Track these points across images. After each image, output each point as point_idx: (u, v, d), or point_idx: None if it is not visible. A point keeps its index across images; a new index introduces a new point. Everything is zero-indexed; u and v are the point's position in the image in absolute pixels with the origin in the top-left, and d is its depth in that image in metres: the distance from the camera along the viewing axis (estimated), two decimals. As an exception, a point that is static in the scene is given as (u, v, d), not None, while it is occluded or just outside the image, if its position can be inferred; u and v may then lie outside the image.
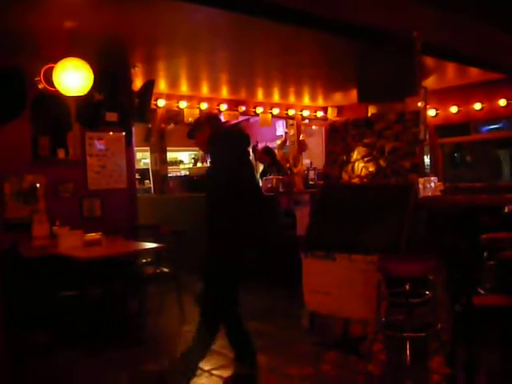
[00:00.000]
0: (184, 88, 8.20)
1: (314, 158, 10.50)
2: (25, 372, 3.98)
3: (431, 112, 9.23)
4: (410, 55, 4.90)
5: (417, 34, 4.99)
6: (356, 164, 4.88)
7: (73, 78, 5.07)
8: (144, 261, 5.81)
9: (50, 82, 5.57)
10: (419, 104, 5.69)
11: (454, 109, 9.13)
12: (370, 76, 5.13)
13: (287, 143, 10.30)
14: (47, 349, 4.73)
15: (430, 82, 7.96)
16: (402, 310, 4.11)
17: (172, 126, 9.06)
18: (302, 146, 10.23)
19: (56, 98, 5.81)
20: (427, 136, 7.81)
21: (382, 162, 4.73)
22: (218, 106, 8.98)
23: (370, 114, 5.46)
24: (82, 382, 3.93)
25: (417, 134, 4.63)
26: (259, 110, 9.57)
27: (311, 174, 9.26)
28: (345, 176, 4.91)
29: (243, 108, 9.33)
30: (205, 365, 4.16)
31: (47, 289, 5.01)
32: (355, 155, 4.92)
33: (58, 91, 5.49)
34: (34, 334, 4.86)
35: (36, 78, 5.70)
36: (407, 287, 3.90)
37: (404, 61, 4.89)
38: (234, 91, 8.75)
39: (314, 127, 11.25)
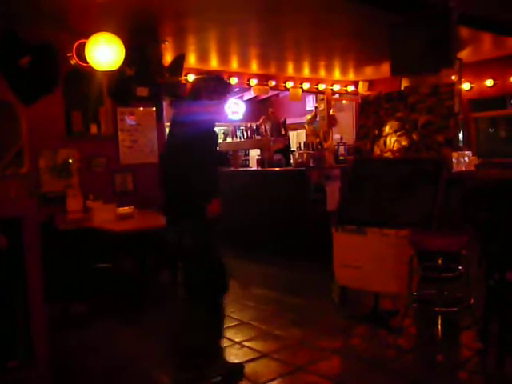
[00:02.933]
0: (214, 63, 8.17)
1: (344, 133, 10.39)
2: (63, 341, 4.12)
3: (465, 86, 9.00)
4: (446, 25, 4.76)
5: (453, 2, 4.85)
6: (388, 138, 4.82)
7: (105, 52, 5.10)
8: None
9: (82, 57, 5.62)
10: (453, 77, 5.57)
11: (489, 82, 8.88)
12: (403, 48, 5.01)
13: (317, 118, 10.19)
14: (84, 319, 4.87)
15: (464, 55, 7.74)
16: (433, 285, 4.10)
17: (202, 100, 9.04)
18: (332, 121, 10.13)
19: (88, 74, 5.86)
20: (461, 110, 7.63)
21: (414, 136, 4.65)
22: (248, 80, 8.93)
23: (402, 88, 5.37)
24: (118, 350, 4.03)
25: (451, 107, 4.53)
26: (289, 84, 9.48)
27: (341, 149, 9.16)
28: (376, 150, 4.86)
29: (273, 83, 9.26)
30: (235, 336, 4.23)
31: (82, 261, 5.14)
32: (387, 129, 4.85)
33: (90, 66, 5.55)
34: (70, 304, 4.99)
35: (68, 54, 5.75)
36: (440, 262, 3.88)
37: (439, 31, 4.76)
38: (264, 65, 8.67)
39: (344, 102, 11.11)
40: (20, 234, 2.44)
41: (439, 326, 4.00)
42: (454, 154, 4.61)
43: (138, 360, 3.83)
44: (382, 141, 4.86)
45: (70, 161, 5.88)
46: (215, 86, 3.55)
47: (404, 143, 4.70)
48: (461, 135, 8.79)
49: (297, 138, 11.62)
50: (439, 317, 4.01)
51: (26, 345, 2.47)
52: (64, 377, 3.36)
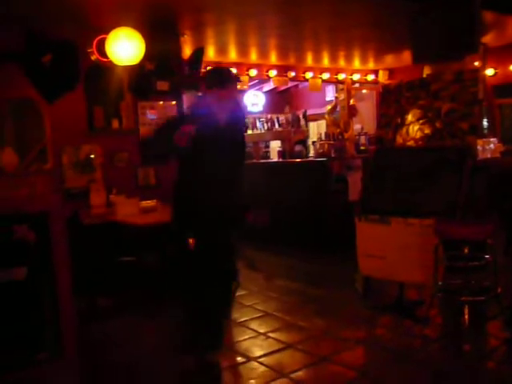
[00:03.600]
0: (233, 55, 8.15)
1: (364, 122, 10.29)
2: (89, 334, 4.18)
3: (489, 71, 8.83)
4: (469, 10, 4.66)
5: (476, -13, 4.76)
6: (411, 126, 4.76)
7: (125, 47, 5.12)
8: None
9: (102, 52, 5.65)
10: (476, 63, 5.46)
11: (513, 67, 8.70)
12: (425, 35, 4.93)
13: (337, 108, 10.10)
14: (109, 313, 4.94)
15: (488, 39, 7.59)
16: (459, 274, 4.05)
17: (221, 93, 9.03)
18: (352, 111, 10.03)
19: (108, 69, 5.89)
20: (485, 96, 7.49)
21: (437, 124, 4.60)
22: (267, 72, 8.90)
23: (424, 75, 5.29)
24: (143, 344, 4.07)
25: (475, 93, 4.46)
26: (308, 75, 9.42)
27: (362, 139, 9.09)
28: (399, 139, 4.81)
29: (292, 73, 9.21)
30: (260, 327, 4.25)
31: (107, 255, 5.19)
32: (410, 117, 4.80)
33: (110, 62, 5.57)
34: (96, 298, 5.06)
35: (89, 50, 5.79)
36: (466, 251, 3.83)
37: (462, 16, 4.67)
38: (283, 57, 8.63)
39: (364, 91, 11.00)
40: (47, 228, 2.48)
41: (465, 316, 3.96)
42: (479, 142, 4.55)
43: (161, 354, 3.87)
44: (404, 129, 4.80)
45: (93, 156, 5.93)
46: (218, 74, 3.64)
47: (427, 131, 4.64)
48: (485, 122, 8.66)
49: (317, 129, 11.55)
50: (465, 306, 3.97)
51: (55, 337, 2.51)
52: (90, 369, 3.41)
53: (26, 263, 2.44)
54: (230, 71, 3.89)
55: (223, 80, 3.54)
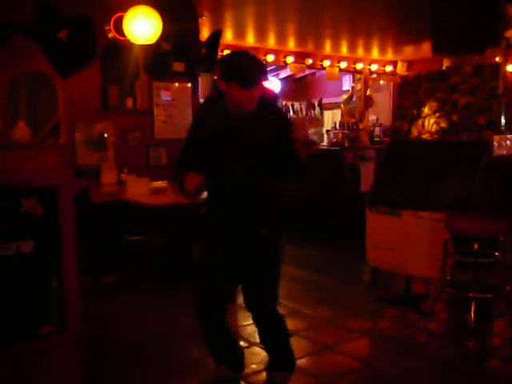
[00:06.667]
0: (250, 39, 8.08)
1: (380, 114, 10.20)
2: (94, 311, 4.20)
3: (510, 67, 8.68)
4: (493, 2, 4.57)
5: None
6: (427, 119, 4.70)
7: (142, 26, 5.09)
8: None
9: (119, 31, 5.62)
10: (497, 59, 5.37)
11: (535, 64, 8.55)
12: (447, 25, 4.83)
13: (353, 98, 10.03)
14: (115, 290, 4.96)
15: (510, 34, 7.45)
16: (468, 270, 4.01)
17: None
18: (368, 102, 9.94)
19: (125, 47, 5.86)
20: (505, 92, 7.37)
21: (454, 118, 4.53)
22: (285, 58, 8.81)
23: (444, 67, 5.20)
24: (147, 323, 4.09)
25: (495, 88, 4.38)
26: (326, 63, 9.31)
27: (377, 130, 9.02)
28: (414, 131, 4.75)
29: (310, 61, 9.11)
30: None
31: (114, 233, 5.21)
32: (426, 110, 4.73)
33: (127, 40, 5.54)
34: (102, 275, 5.08)
35: (106, 27, 5.76)
36: (476, 247, 3.79)
37: (486, 8, 4.57)
38: (301, 43, 8.53)
39: (381, 82, 10.87)
40: (56, 203, 2.47)
41: (472, 313, 3.92)
42: (496, 138, 4.47)
43: (165, 333, 3.88)
44: (420, 122, 4.74)
45: (106, 135, 5.93)
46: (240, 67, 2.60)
47: (443, 125, 4.58)
48: (503, 118, 8.53)
49: (332, 118, 11.47)
50: (472, 303, 3.93)
51: (59, 312, 2.51)
52: (93, 345, 3.44)
53: (33, 237, 2.43)
54: (261, 65, 2.74)
55: (246, 77, 2.55)
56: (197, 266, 3.06)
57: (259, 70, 2.64)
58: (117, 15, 5.67)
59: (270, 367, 3.11)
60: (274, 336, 3.08)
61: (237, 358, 3.16)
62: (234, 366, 3.14)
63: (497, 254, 3.92)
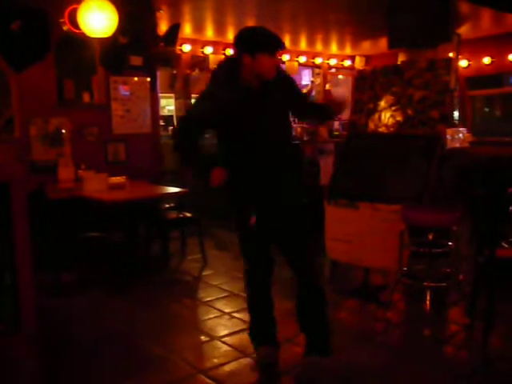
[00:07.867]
0: (209, 33, 8.05)
1: (339, 108, 10.31)
2: (52, 310, 4.12)
3: (463, 63, 8.93)
4: (445, -1, 4.70)
5: (453, -24, 4.78)
6: (383, 113, 4.79)
7: (97, 18, 4.99)
8: (167, 206, 5.87)
9: (74, 23, 5.50)
10: (450, 55, 5.51)
11: (486, 60, 8.81)
12: (402, 21, 4.95)
13: (313, 93, 10.12)
14: (73, 288, 4.87)
15: (463, 31, 7.66)
16: (423, 260, 4.12)
17: (197, 72, 8.93)
18: (327, 96, 10.05)
19: (80, 41, 5.75)
20: (457, 87, 7.58)
21: (409, 111, 4.62)
22: (244, 52, 8.81)
23: (399, 62, 5.30)
24: (106, 321, 4.04)
25: (447, 82, 4.49)
26: (285, 57, 9.37)
27: (336, 124, 9.14)
28: (371, 125, 4.83)
29: (269, 55, 9.13)
30: (225, 307, 4.25)
31: (72, 230, 5.11)
32: (382, 104, 4.82)
33: (82, 33, 5.43)
34: (60, 273, 4.97)
35: (60, 20, 5.63)
36: (430, 237, 3.89)
37: (438, 4, 4.69)
38: (260, 37, 8.54)
39: (340, 77, 11.02)
40: (7, 198, 2.41)
41: (427, 301, 4.02)
42: (449, 131, 4.59)
43: (125, 331, 3.84)
44: (376, 115, 4.82)
45: (63, 130, 5.81)
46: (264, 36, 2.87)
47: (399, 118, 4.67)
48: (456, 113, 8.78)
49: (291, 113, 11.53)
50: (428, 292, 4.04)
51: (13, 310, 2.46)
52: (51, 344, 3.38)
53: (-16, 234, 2.37)
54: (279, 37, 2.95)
55: (275, 44, 2.82)
56: (240, 241, 3.26)
57: (278, 37, 2.91)
58: (71, 7, 5.55)
59: (307, 351, 3.26)
60: (313, 308, 3.29)
61: (275, 335, 3.40)
62: (273, 343, 3.37)
63: (450, 243, 4.03)
